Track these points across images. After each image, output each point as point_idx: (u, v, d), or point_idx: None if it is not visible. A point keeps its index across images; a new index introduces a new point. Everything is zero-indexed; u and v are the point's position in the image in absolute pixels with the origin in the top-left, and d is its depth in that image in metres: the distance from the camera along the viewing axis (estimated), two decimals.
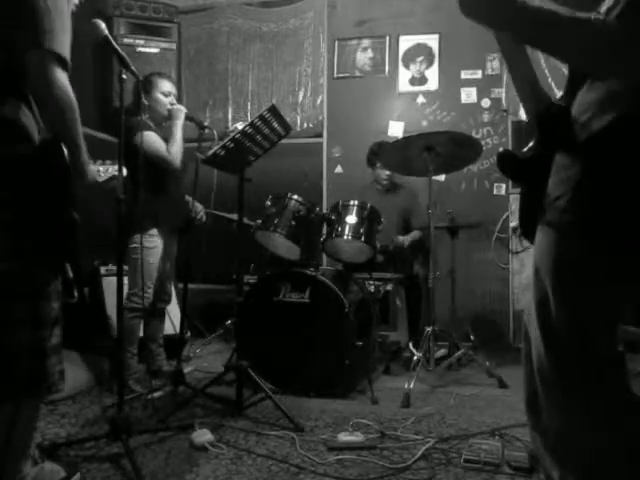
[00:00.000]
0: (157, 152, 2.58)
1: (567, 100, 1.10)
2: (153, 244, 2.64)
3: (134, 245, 2.55)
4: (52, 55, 1.23)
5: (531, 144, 1.18)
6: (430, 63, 4.25)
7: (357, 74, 4.41)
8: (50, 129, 1.31)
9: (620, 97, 0.96)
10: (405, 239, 3.46)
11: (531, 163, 1.16)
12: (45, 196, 1.29)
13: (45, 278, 1.33)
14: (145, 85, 2.70)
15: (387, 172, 3.60)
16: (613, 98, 0.98)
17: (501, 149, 1.16)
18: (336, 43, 4.44)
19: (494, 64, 4.07)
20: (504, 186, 4.08)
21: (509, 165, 1.22)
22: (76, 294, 1.42)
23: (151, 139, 2.57)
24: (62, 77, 1.26)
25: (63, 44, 1.26)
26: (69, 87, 1.28)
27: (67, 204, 1.33)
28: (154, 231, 2.65)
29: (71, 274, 1.41)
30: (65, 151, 1.31)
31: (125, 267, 2.39)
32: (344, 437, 2.01)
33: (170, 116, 2.69)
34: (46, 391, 1.36)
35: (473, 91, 4.15)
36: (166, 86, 2.75)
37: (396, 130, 4.26)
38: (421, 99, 4.28)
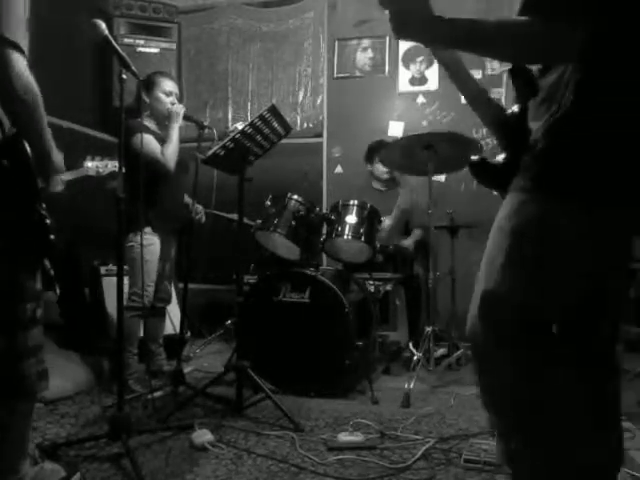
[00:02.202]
0: (151, 154, 2.58)
1: (521, 107, 1.19)
2: (148, 242, 2.63)
3: (131, 244, 2.55)
4: (6, 41, 1.19)
5: (503, 152, 1.23)
6: (430, 63, 4.24)
7: (357, 74, 4.41)
8: (11, 117, 1.26)
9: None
10: (410, 244, 3.48)
11: (504, 170, 1.19)
12: (10, 194, 1.25)
13: (18, 279, 1.31)
14: (147, 84, 2.70)
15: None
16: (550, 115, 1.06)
17: (473, 157, 1.24)
18: (336, 43, 4.44)
19: (494, 64, 4.07)
20: None
21: (483, 173, 1.26)
22: (58, 290, 1.40)
23: (146, 141, 2.56)
24: (21, 60, 1.22)
25: (17, 34, 1.22)
26: (28, 71, 1.23)
27: (34, 201, 1.29)
28: (148, 229, 2.65)
29: (52, 271, 1.39)
30: (27, 147, 1.27)
31: (125, 267, 2.39)
32: (344, 437, 2.01)
33: (169, 117, 2.69)
34: (23, 393, 1.34)
35: None
36: (168, 85, 2.75)
37: (396, 130, 4.26)
38: (421, 99, 4.28)
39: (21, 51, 1.23)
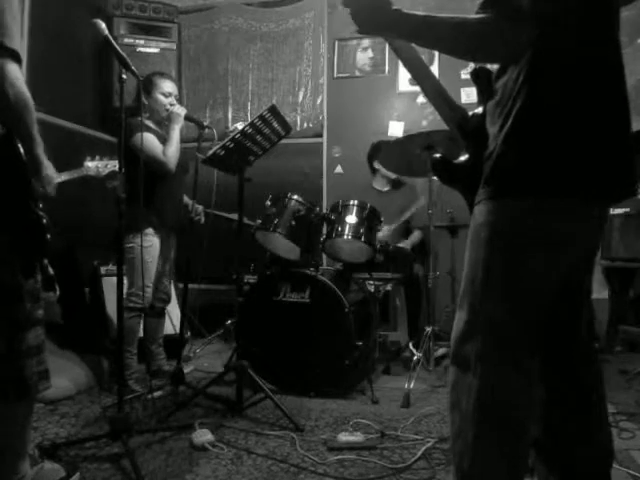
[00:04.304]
0: (152, 153, 2.58)
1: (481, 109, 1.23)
2: (148, 242, 2.63)
3: (130, 245, 2.55)
4: (5, 50, 1.21)
5: (465, 152, 1.25)
6: (430, 63, 4.23)
7: (357, 74, 4.41)
8: (4, 122, 1.27)
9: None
10: (407, 244, 3.49)
11: (466, 170, 1.22)
12: (6, 193, 1.25)
13: (16, 279, 1.30)
14: (146, 85, 2.70)
15: None
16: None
17: (436, 155, 1.27)
18: (336, 43, 4.44)
19: (494, 64, 4.06)
20: None
21: (444, 172, 1.28)
22: (58, 290, 1.40)
23: (147, 140, 2.56)
24: (15, 70, 1.23)
25: (15, 38, 1.23)
26: (22, 79, 1.25)
27: (29, 201, 1.29)
28: (149, 230, 2.65)
29: (51, 270, 1.38)
30: (20, 147, 1.27)
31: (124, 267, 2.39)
32: (344, 437, 2.01)
33: (168, 118, 2.68)
34: (24, 394, 1.34)
35: (473, 91, 4.13)
36: (167, 86, 2.74)
37: (396, 130, 4.25)
38: (421, 99, 4.27)
39: (17, 58, 1.23)
